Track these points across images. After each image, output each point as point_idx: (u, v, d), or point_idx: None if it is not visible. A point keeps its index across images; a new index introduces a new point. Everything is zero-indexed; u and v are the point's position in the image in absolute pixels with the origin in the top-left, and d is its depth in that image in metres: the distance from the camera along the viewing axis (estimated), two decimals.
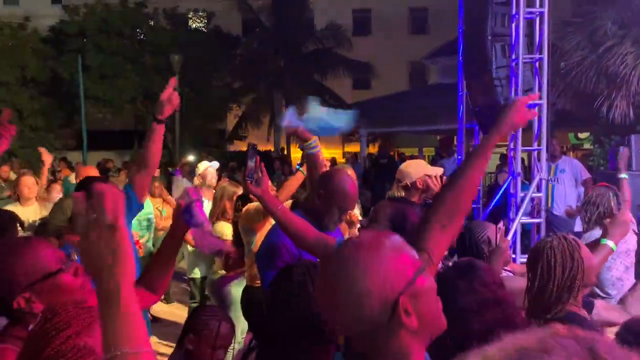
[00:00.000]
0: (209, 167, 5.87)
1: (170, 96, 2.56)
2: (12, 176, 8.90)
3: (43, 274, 1.48)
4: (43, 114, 21.80)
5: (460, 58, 6.41)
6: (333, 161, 15.55)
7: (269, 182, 2.49)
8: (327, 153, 19.93)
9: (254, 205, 3.88)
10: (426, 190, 3.29)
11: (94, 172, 4.99)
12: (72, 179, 7.68)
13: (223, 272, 4.71)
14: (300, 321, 1.61)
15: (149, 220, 6.07)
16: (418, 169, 3.39)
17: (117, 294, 0.95)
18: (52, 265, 1.50)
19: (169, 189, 9.52)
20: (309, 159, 2.85)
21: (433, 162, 11.66)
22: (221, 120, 25.29)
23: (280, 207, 2.30)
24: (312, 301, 1.52)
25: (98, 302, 0.97)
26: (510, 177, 5.53)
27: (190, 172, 14.28)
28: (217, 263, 4.85)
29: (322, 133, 2.75)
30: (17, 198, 5.44)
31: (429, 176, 3.32)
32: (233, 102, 24.38)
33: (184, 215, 1.70)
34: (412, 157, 18.54)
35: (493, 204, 5.72)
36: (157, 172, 11.49)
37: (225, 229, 4.64)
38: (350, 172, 4.89)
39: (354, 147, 23.35)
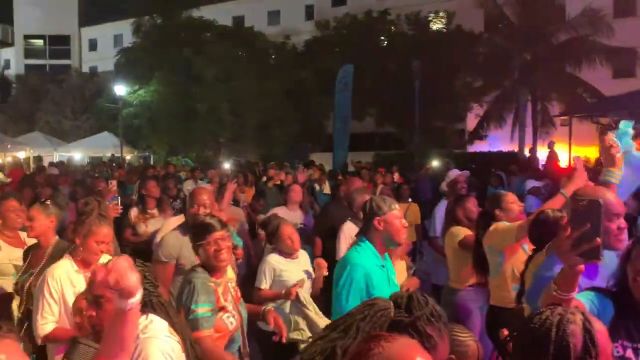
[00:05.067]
0: (459, 175, 5.61)
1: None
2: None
3: None
4: (298, 121, 24.31)
5: None
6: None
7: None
8: (580, 151, 18.01)
9: (503, 225, 3.66)
10: None
11: (358, 182, 5.43)
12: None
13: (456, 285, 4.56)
14: None
15: None
16: None
17: None
18: None
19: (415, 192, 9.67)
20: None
21: None
22: (461, 121, 24.84)
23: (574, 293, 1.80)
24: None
25: None
26: None
27: (428, 176, 14.36)
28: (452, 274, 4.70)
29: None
30: (285, 202, 6.10)
31: None
32: (474, 101, 23.72)
33: None
34: None
35: None
36: (396, 177, 11.77)
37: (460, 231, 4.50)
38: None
39: None
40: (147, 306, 1.94)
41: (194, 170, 12.77)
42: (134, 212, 6.11)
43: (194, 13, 27.00)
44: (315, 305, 3.78)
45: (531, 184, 6.83)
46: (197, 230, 2.85)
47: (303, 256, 4.11)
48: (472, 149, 24.27)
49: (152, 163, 22.35)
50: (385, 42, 23.70)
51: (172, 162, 20.78)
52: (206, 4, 30.32)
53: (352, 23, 23.47)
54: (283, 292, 3.72)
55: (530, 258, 3.14)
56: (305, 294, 3.78)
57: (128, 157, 25.48)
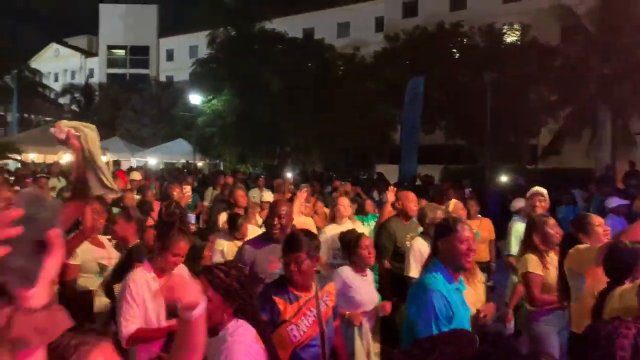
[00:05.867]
0: (537, 194, 5.31)
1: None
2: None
3: None
4: (364, 132, 24.25)
5: None
6: None
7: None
8: None
9: (583, 246, 3.51)
10: None
11: (412, 197, 5.35)
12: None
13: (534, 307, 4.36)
14: None
15: None
16: None
17: None
18: None
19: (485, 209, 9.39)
20: None
21: None
22: (534, 135, 24.02)
23: None
24: None
25: None
26: None
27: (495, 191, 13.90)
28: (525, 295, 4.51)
29: None
30: (333, 217, 6.10)
31: None
32: (549, 116, 22.89)
33: None
34: None
35: None
36: (467, 192, 11.46)
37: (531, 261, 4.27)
38: None
39: None
40: (240, 312, 2.03)
41: (258, 179, 12.93)
42: (222, 218, 6.29)
43: (266, 26, 27.67)
44: (370, 340, 3.80)
45: (615, 202, 6.42)
46: (286, 245, 2.95)
47: (371, 276, 4.17)
48: (544, 165, 23.37)
49: (221, 170, 23.03)
50: (457, 54, 23.33)
51: (240, 169, 21.31)
52: (278, 17, 31.04)
53: (422, 35, 23.28)
54: (347, 314, 3.75)
55: (607, 291, 2.95)
56: (366, 325, 3.83)
57: (200, 164, 26.37)
